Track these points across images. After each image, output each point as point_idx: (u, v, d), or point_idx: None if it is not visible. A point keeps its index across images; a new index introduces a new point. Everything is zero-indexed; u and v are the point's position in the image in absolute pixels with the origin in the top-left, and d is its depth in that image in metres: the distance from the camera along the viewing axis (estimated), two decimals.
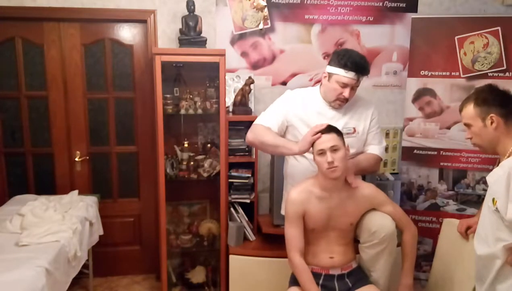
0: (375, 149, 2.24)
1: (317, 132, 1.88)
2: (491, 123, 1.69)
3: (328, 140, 1.86)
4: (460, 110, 1.82)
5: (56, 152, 3.15)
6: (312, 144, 1.91)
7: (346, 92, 2.05)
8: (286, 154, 2.12)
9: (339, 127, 2.04)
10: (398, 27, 3.25)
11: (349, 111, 2.19)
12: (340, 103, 2.11)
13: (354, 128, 2.17)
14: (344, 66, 2.02)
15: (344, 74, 2.03)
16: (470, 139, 1.80)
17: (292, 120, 2.17)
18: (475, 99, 1.74)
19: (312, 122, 2.06)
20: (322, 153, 1.86)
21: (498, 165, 1.72)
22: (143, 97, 3.15)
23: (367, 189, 2.04)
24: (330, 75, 2.09)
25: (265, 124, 2.15)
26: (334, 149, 1.85)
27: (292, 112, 2.17)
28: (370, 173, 2.40)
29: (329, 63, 2.10)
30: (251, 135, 2.15)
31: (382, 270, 2.04)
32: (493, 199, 1.58)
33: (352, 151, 2.10)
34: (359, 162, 2.13)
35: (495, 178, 1.61)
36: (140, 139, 3.23)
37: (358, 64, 2.02)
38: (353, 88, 2.07)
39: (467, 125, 1.78)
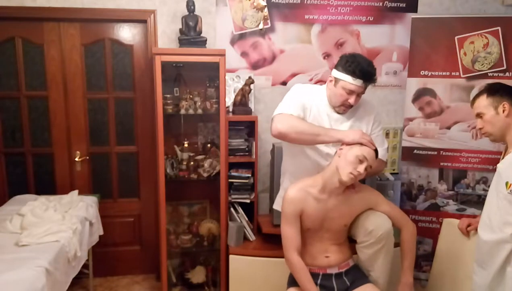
0: (378, 151, 2.24)
1: (371, 143, 1.90)
2: (503, 111, 1.80)
3: (373, 159, 1.89)
4: (472, 103, 1.92)
5: (56, 152, 3.15)
6: (355, 144, 1.90)
7: (352, 99, 2.01)
8: (327, 142, 2.01)
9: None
10: (398, 27, 3.25)
11: (353, 115, 2.16)
12: (345, 109, 2.08)
13: None
14: (352, 74, 1.97)
15: (351, 82, 1.98)
16: (480, 130, 1.89)
17: (308, 117, 2.10)
18: (488, 90, 1.86)
19: (324, 123, 2.05)
20: (362, 161, 1.86)
21: (505, 153, 1.83)
22: (143, 97, 3.15)
23: (363, 191, 2.04)
24: (336, 80, 2.03)
25: (291, 113, 2.00)
26: (368, 166, 1.87)
27: (309, 110, 2.09)
28: (374, 175, 2.39)
29: (336, 68, 2.05)
30: (282, 126, 1.94)
31: (380, 270, 2.03)
32: (507, 183, 1.68)
33: None
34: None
35: (507, 163, 1.73)
36: (140, 139, 3.23)
37: (367, 72, 1.98)
38: (359, 95, 2.04)
39: (480, 115, 1.87)
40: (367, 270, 2.07)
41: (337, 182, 1.90)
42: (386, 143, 2.29)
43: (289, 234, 1.97)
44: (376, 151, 1.93)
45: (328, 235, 2.02)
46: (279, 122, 1.96)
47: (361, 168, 1.84)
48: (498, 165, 1.79)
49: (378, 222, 1.99)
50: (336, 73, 2.04)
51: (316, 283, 1.98)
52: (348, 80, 1.98)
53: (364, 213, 2.04)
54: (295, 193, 1.97)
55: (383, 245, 1.99)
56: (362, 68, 1.97)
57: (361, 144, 1.89)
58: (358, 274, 2.06)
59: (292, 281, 2.04)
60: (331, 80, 2.07)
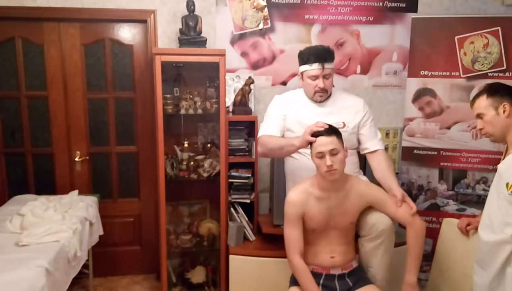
0: (376, 144, 2.25)
1: (314, 134, 1.88)
2: (504, 111, 1.78)
3: (328, 143, 1.85)
4: (472, 104, 1.90)
5: (56, 152, 3.15)
6: (310, 143, 1.91)
7: (320, 83, 2.15)
8: (291, 151, 2.13)
9: (329, 123, 2.05)
10: (398, 27, 3.25)
11: (337, 107, 2.23)
12: (321, 94, 2.19)
13: (343, 122, 2.19)
14: (307, 61, 2.16)
15: (310, 68, 2.15)
16: (480, 131, 1.88)
17: (288, 123, 2.22)
18: (488, 91, 1.84)
19: (306, 121, 2.08)
20: (321, 156, 1.86)
21: (505, 154, 1.82)
22: (143, 97, 3.15)
23: (362, 185, 2.03)
24: (302, 74, 2.22)
25: (268, 133, 2.21)
26: (333, 153, 1.85)
27: (288, 115, 2.23)
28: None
29: (299, 65, 2.22)
30: (259, 148, 2.22)
31: (378, 266, 2.05)
32: (507, 184, 1.67)
33: None
34: (393, 174, 2.15)
35: (508, 164, 1.72)
36: (140, 139, 3.23)
37: (317, 54, 2.14)
38: (326, 77, 2.16)
39: (480, 115, 1.86)
40: (366, 266, 2.08)
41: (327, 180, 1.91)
42: (379, 133, 2.32)
43: (291, 236, 1.98)
44: (330, 127, 1.90)
45: (335, 233, 2.01)
46: (259, 145, 2.23)
47: (328, 161, 1.84)
48: (498, 166, 1.78)
49: (380, 217, 2.02)
50: (300, 69, 2.23)
51: (318, 283, 1.98)
52: (307, 69, 2.17)
53: (369, 208, 2.05)
54: (296, 195, 1.99)
55: (383, 241, 2.01)
56: (311, 53, 2.15)
57: (313, 140, 1.90)
58: (360, 275, 2.06)
59: (295, 280, 2.04)
60: (300, 78, 2.25)
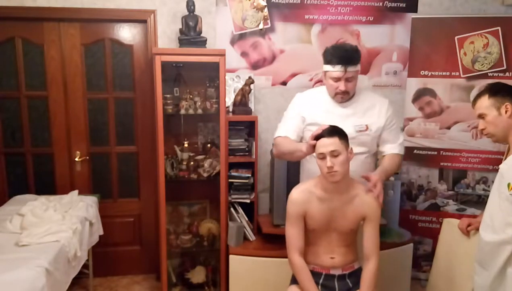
0: (393, 147, 2.22)
1: (315, 136, 1.88)
2: (506, 111, 1.77)
3: (329, 144, 1.84)
4: (473, 104, 1.89)
5: (56, 152, 3.15)
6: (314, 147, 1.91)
7: (341, 86, 2.08)
8: (301, 156, 2.11)
9: (350, 126, 2.04)
10: (398, 27, 3.25)
11: (360, 109, 2.17)
12: (342, 96, 2.13)
13: (366, 125, 2.15)
14: (330, 62, 2.08)
15: (332, 70, 2.08)
16: (482, 131, 1.86)
17: (306, 123, 2.19)
18: (489, 91, 1.83)
19: (321, 121, 2.06)
20: (322, 157, 1.86)
21: (507, 154, 1.81)
22: (143, 97, 3.15)
23: (367, 196, 1.99)
24: (324, 73, 2.15)
25: (283, 135, 2.19)
26: (334, 154, 1.84)
27: (306, 117, 2.19)
28: (395, 170, 2.35)
29: (323, 63, 2.16)
30: (274, 150, 2.23)
31: None
32: (509, 184, 1.66)
33: (363, 149, 2.11)
34: (386, 170, 2.11)
35: (510, 164, 1.71)
36: (140, 139, 3.23)
37: (342, 57, 2.05)
38: (348, 80, 2.08)
39: (481, 116, 1.84)
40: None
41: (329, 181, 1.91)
42: (402, 138, 2.28)
43: (292, 234, 1.98)
44: (332, 128, 1.88)
45: (336, 235, 2.00)
46: (274, 147, 2.24)
47: (329, 162, 1.83)
48: (500, 166, 1.77)
49: None
50: (323, 67, 2.15)
51: (318, 283, 1.98)
52: (330, 69, 2.09)
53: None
54: (298, 194, 1.98)
55: None
56: (336, 54, 2.06)
57: (316, 143, 1.89)
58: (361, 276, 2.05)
59: (295, 279, 2.04)
60: (323, 75, 2.19)
